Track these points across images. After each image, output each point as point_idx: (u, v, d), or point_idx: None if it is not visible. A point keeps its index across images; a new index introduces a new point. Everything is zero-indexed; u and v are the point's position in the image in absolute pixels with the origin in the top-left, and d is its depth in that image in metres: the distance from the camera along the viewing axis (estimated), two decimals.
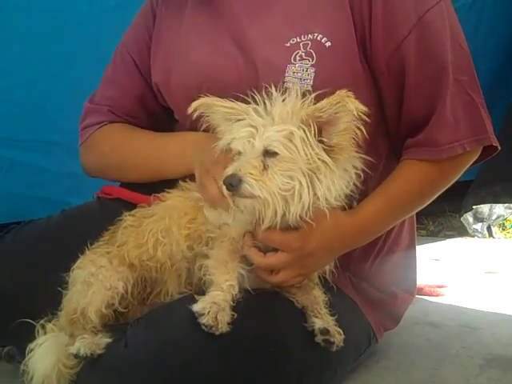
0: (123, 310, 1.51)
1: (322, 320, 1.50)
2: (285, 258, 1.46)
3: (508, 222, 5.00)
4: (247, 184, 1.33)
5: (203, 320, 1.33)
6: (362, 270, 1.81)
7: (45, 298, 1.61)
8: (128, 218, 1.64)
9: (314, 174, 1.37)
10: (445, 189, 1.70)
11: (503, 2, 3.50)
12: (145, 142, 1.83)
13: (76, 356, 1.43)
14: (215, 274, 1.43)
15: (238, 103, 1.46)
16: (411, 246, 1.99)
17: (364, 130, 1.37)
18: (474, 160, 1.68)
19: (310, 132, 1.36)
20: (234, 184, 1.33)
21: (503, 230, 5.10)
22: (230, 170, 1.36)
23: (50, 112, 2.90)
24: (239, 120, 1.42)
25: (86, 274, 1.52)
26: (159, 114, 1.92)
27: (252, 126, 1.38)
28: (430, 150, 1.60)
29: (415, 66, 1.58)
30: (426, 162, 1.61)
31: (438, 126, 1.59)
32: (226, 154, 1.45)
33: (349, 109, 1.33)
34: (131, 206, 1.73)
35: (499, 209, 4.36)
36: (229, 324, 1.36)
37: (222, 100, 1.47)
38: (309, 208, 1.38)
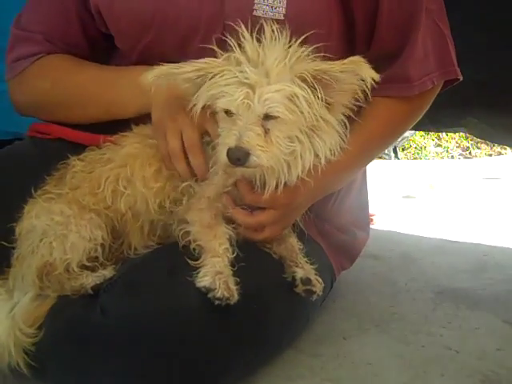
0: (108, 263, 1.35)
1: (303, 269, 1.42)
2: (273, 214, 1.37)
3: (407, 143, 5.14)
4: (255, 157, 1.21)
5: (217, 294, 1.21)
6: (325, 212, 1.74)
7: None
8: (77, 163, 1.45)
9: (314, 132, 1.28)
10: (413, 124, 1.65)
11: None
12: (93, 75, 1.59)
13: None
14: (204, 239, 1.31)
15: (204, 59, 1.28)
16: (364, 182, 1.95)
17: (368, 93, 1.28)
18: (438, 92, 1.62)
19: (315, 94, 1.24)
20: (242, 158, 1.20)
21: (403, 150, 5.24)
22: (232, 142, 1.21)
23: None
24: (214, 76, 1.26)
25: (51, 224, 1.33)
26: (101, 42, 1.65)
27: (246, 85, 1.22)
28: (400, 86, 1.52)
29: None
30: (397, 99, 1.54)
31: (409, 59, 1.51)
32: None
33: (362, 75, 1.24)
34: (74, 147, 1.52)
35: None
36: None
37: (182, 65, 1.27)
38: (309, 168, 1.30)
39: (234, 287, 1.25)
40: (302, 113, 1.24)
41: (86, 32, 1.65)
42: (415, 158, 4.90)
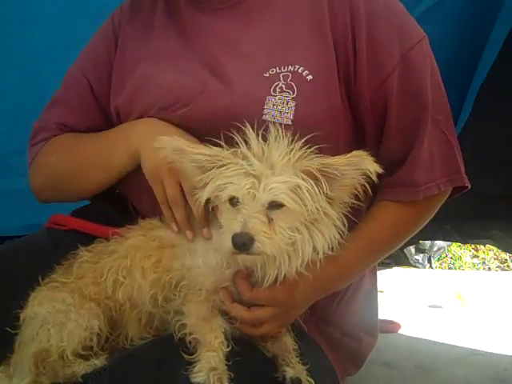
0: (101, 352, 1.38)
1: (294, 369, 1.42)
2: (271, 311, 1.39)
3: (443, 252, 5.09)
4: (259, 243, 1.25)
5: None
6: (328, 314, 1.74)
7: None
8: (85, 254, 1.51)
9: (313, 225, 1.31)
10: (418, 230, 1.67)
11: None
12: (93, 143, 1.69)
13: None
14: (200, 332, 1.33)
15: (216, 148, 1.36)
16: (373, 287, 1.94)
17: (367, 187, 1.34)
18: (445, 199, 1.65)
19: (319, 186, 1.30)
20: (247, 243, 1.24)
21: (439, 259, 5.18)
22: (238, 227, 1.25)
23: None
24: (220, 166, 1.33)
25: (53, 311, 1.39)
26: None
27: (252, 176, 1.29)
28: (406, 190, 1.56)
29: (397, 103, 1.54)
30: (401, 203, 1.58)
31: (415, 165, 1.56)
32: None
33: (365, 168, 1.29)
34: (86, 239, 1.59)
35: (440, 241, 4.41)
36: None
37: (195, 146, 1.37)
38: (307, 262, 1.33)
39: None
40: (305, 205, 1.29)
41: (106, 115, 1.77)
42: (450, 269, 4.82)
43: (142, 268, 1.42)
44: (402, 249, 4.58)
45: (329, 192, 1.31)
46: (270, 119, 1.49)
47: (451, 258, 4.99)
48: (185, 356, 1.29)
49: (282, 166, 1.31)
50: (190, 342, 1.33)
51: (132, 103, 1.67)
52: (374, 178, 1.32)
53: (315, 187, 1.29)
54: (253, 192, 1.27)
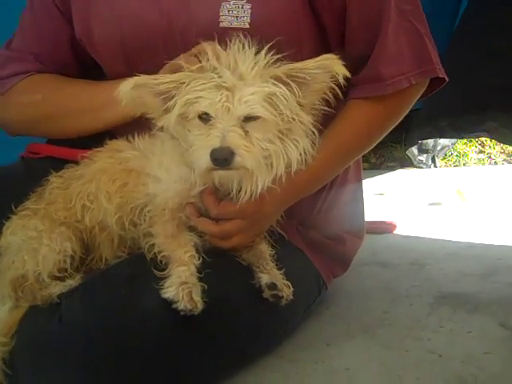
0: (75, 274, 1.40)
1: (269, 274, 1.44)
2: (239, 224, 1.39)
3: (448, 151, 5.03)
4: (240, 157, 1.23)
5: (180, 306, 1.24)
6: (309, 218, 1.74)
7: None
8: (55, 180, 1.52)
9: (286, 136, 1.30)
10: (393, 127, 1.65)
11: None
12: (83, 88, 1.66)
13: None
14: (170, 249, 1.34)
15: (179, 73, 1.32)
16: (358, 188, 1.94)
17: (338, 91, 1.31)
18: (420, 94, 1.62)
19: (291, 92, 1.27)
20: (228, 158, 1.22)
21: (443, 158, 5.13)
22: (216, 143, 1.22)
23: None
24: (189, 83, 1.29)
25: (26, 239, 1.41)
26: (91, 64, 1.72)
27: (224, 88, 1.25)
28: (374, 85, 1.53)
29: None
30: (371, 100, 1.54)
31: (380, 58, 1.52)
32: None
33: (334, 71, 1.27)
34: (60, 165, 1.58)
35: (444, 140, 4.37)
36: None
37: (157, 76, 1.33)
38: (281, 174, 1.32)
39: (197, 298, 1.27)
40: (280, 113, 1.27)
41: (77, 55, 1.73)
42: (456, 166, 4.78)
43: (107, 192, 1.42)
44: (405, 151, 4.56)
45: (300, 98, 1.29)
46: (227, 25, 1.47)
47: (456, 155, 4.93)
48: (156, 272, 1.30)
49: (253, 76, 1.28)
50: (161, 262, 1.34)
51: (90, 29, 1.63)
52: (342, 80, 1.29)
53: (288, 93, 1.27)
54: (227, 105, 1.24)
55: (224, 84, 1.26)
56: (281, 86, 1.28)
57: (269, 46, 1.33)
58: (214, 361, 1.39)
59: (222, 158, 1.22)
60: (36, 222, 1.44)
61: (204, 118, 1.28)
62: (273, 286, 1.42)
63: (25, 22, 1.77)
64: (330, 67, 1.28)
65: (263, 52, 1.32)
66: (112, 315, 1.26)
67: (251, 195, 1.34)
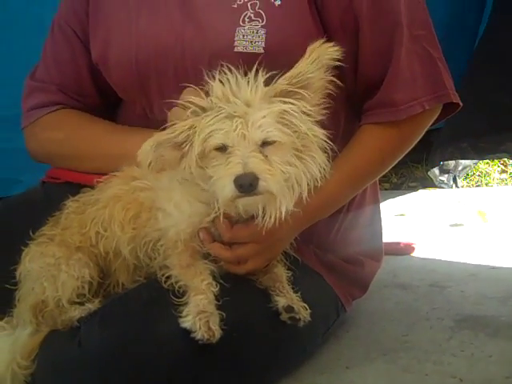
0: (94, 299, 1.42)
1: (285, 297, 1.44)
2: (253, 247, 1.40)
3: (470, 171, 5.00)
4: (264, 181, 1.21)
5: (198, 336, 1.25)
6: (327, 242, 1.75)
7: None
8: (71, 204, 1.54)
9: (303, 153, 1.29)
10: (406, 152, 1.65)
11: None
12: (103, 134, 1.68)
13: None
14: (187, 279, 1.34)
15: (183, 120, 1.31)
16: (375, 211, 1.94)
17: (337, 80, 1.31)
18: (434, 119, 1.62)
19: (299, 104, 1.28)
20: (253, 183, 1.21)
21: (465, 178, 5.11)
22: (239, 169, 1.21)
23: None
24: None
25: (44, 266, 1.44)
26: (110, 92, 1.76)
27: (236, 116, 1.25)
28: (387, 111, 1.54)
29: (368, 22, 1.51)
30: (384, 125, 1.56)
31: (393, 84, 1.53)
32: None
33: (325, 63, 1.27)
34: (78, 190, 1.61)
35: (465, 160, 4.33)
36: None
37: (169, 130, 1.32)
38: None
39: (215, 327, 1.27)
40: (295, 131, 1.27)
41: (97, 83, 1.77)
42: (478, 186, 4.74)
43: (120, 222, 1.43)
44: (426, 171, 4.55)
45: (305, 110, 1.29)
46: (241, 50, 1.50)
47: (479, 175, 4.90)
48: (174, 299, 1.31)
49: (259, 99, 1.28)
50: (178, 291, 1.34)
51: (106, 54, 1.67)
52: (337, 63, 1.29)
53: (297, 106, 1.27)
54: (242, 132, 1.24)
55: (235, 113, 1.26)
56: (289, 101, 1.28)
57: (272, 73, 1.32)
58: (230, 382, 1.39)
59: (248, 184, 1.21)
60: (53, 249, 1.46)
61: (221, 149, 1.27)
62: (290, 309, 1.42)
63: (47, 53, 1.82)
64: (321, 58, 1.28)
65: (262, 73, 1.31)
66: (129, 341, 1.28)
67: (275, 220, 1.31)
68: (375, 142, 1.57)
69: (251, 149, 1.24)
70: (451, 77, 1.61)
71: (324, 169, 1.33)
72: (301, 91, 1.29)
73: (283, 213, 1.30)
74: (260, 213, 1.31)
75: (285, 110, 1.27)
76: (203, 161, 1.30)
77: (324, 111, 1.35)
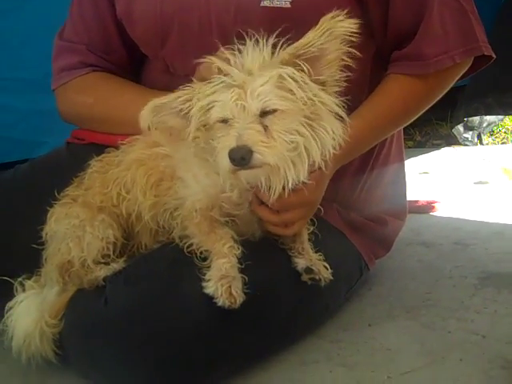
0: (119, 259, 1.43)
1: (304, 258, 1.44)
2: (300, 212, 1.38)
3: (496, 127, 4.92)
4: (259, 154, 1.18)
5: (219, 302, 1.25)
6: (350, 200, 1.75)
7: (20, 254, 1.55)
8: (95, 164, 1.55)
9: (313, 120, 1.24)
10: (431, 104, 1.64)
11: None
12: (132, 99, 1.64)
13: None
14: (208, 244, 1.33)
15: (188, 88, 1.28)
16: (400, 169, 1.93)
17: (356, 51, 1.25)
18: (462, 73, 1.60)
19: (302, 71, 1.23)
20: (246, 156, 1.17)
21: (491, 135, 5.03)
22: (233, 142, 1.18)
23: (14, 47, 2.71)
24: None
25: (69, 227, 1.45)
26: (138, 46, 1.75)
27: (235, 86, 1.22)
28: (416, 64, 1.52)
29: None
30: (411, 77, 1.54)
31: (425, 37, 1.51)
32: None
33: (338, 35, 1.21)
34: (103, 151, 1.60)
35: (490, 116, 4.27)
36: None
37: (168, 95, 1.29)
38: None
39: (237, 292, 1.27)
40: (297, 99, 1.21)
41: (123, 37, 1.76)
42: (503, 143, 4.67)
43: (142, 187, 1.42)
44: (450, 129, 4.48)
45: (318, 76, 1.25)
46: (268, 4, 1.48)
47: (505, 132, 4.82)
48: (197, 262, 1.32)
49: (259, 67, 1.24)
50: (200, 257, 1.33)
51: (131, 8, 1.66)
52: (354, 39, 1.22)
53: (297, 73, 1.22)
54: (241, 103, 1.20)
55: (234, 82, 1.23)
56: (288, 67, 1.23)
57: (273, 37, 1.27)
58: (253, 342, 1.41)
59: (239, 158, 1.18)
60: (77, 210, 1.47)
61: (224, 121, 1.24)
62: (309, 271, 1.42)
63: (73, 12, 1.81)
64: (334, 30, 1.22)
65: (269, 42, 1.26)
66: (153, 299, 1.29)
67: (284, 189, 1.28)
68: (400, 92, 1.55)
69: (250, 120, 1.20)
70: (484, 29, 1.58)
71: (338, 141, 1.28)
72: (300, 62, 1.23)
73: (290, 182, 1.25)
74: (264, 185, 1.27)
75: (282, 76, 1.22)
76: (210, 133, 1.27)
77: (343, 83, 1.28)
